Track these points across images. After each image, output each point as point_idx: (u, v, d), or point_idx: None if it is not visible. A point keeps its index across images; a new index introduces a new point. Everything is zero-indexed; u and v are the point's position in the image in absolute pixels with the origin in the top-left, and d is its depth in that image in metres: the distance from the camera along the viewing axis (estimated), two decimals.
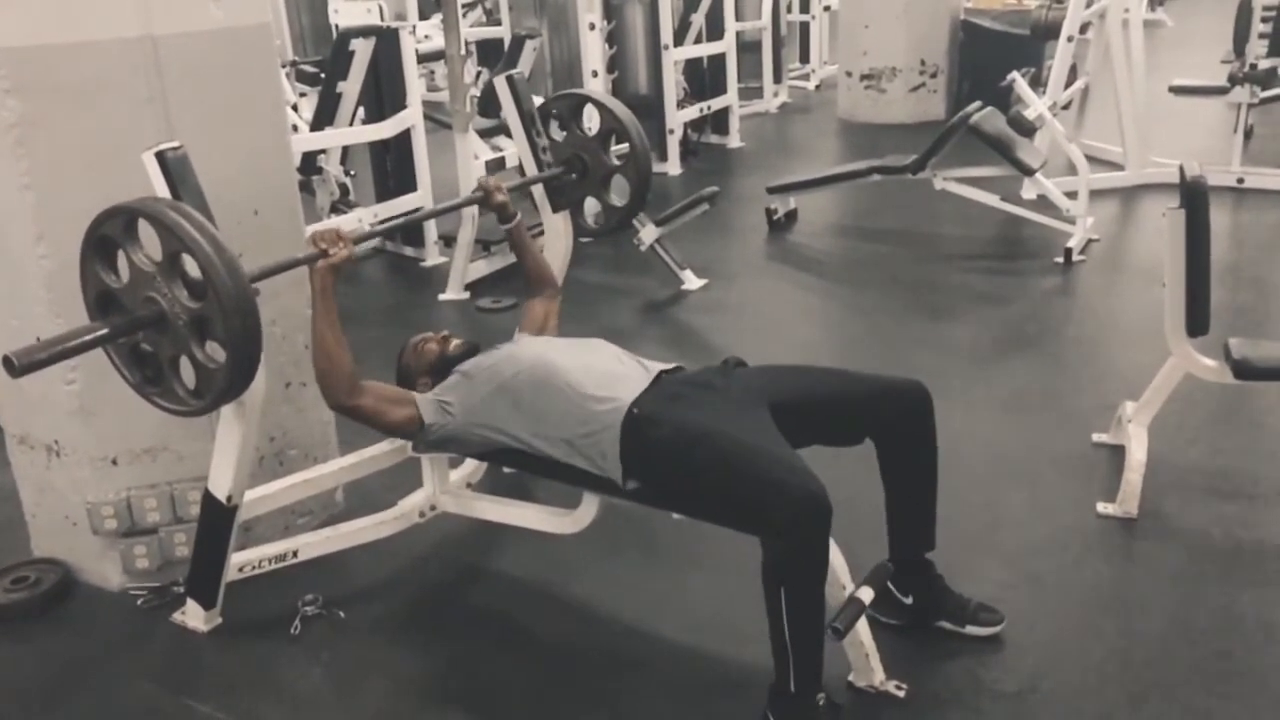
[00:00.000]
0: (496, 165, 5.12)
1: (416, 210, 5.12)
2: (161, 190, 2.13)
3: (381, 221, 4.79)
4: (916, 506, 2.37)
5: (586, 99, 3.19)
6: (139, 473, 2.66)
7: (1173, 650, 2.35)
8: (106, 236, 2.08)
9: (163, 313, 2.04)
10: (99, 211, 2.42)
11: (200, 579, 2.51)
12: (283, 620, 2.56)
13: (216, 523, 2.42)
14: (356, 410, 2.42)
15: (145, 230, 2.09)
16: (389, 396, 2.47)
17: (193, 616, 2.57)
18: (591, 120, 3.73)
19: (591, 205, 3.30)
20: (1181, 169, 2.80)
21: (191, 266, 2.01)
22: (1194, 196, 2.75)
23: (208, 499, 2.40)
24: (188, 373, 2.15)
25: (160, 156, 2.12)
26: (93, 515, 2.64)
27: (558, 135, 3.17)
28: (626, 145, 3.05)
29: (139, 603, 2.67)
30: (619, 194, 3.18)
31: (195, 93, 2.50)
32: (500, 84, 3.02)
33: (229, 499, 2.38)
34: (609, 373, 2.36)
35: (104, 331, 2.05)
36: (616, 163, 3.11)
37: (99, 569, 2.74)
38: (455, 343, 2.66)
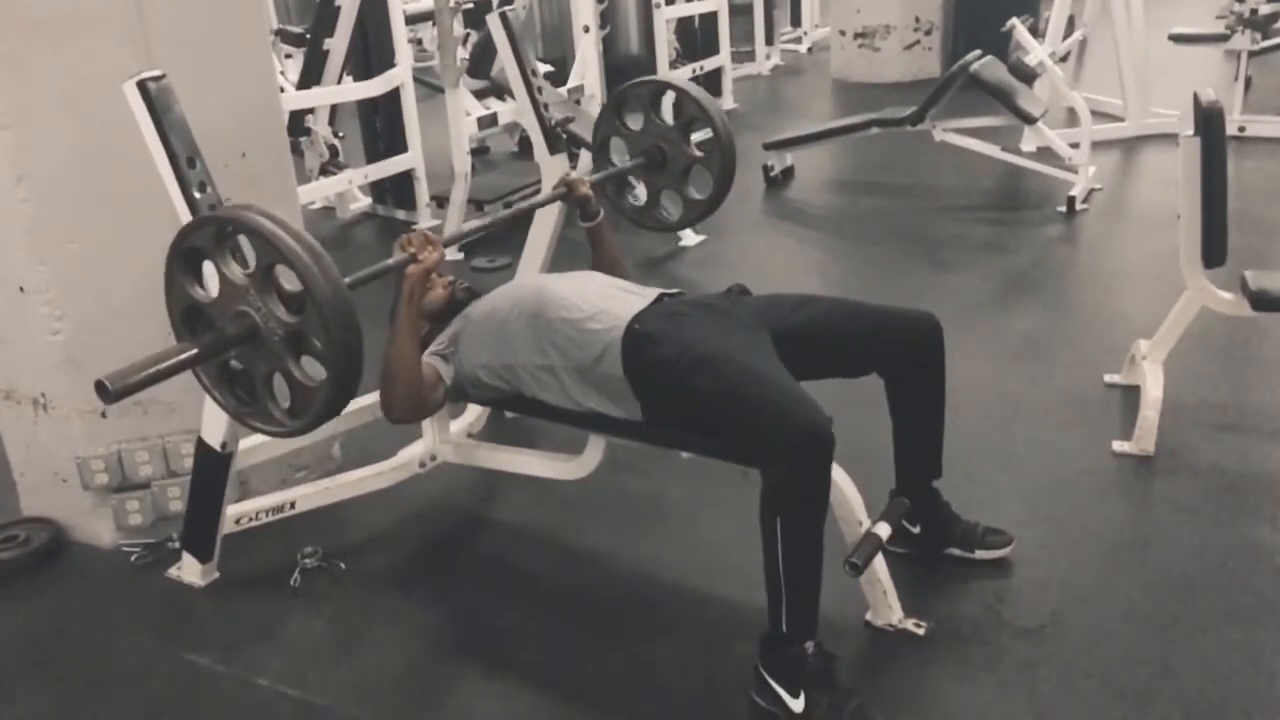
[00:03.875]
0: (489, 121, 5.02)
1: (409, 174, 5.02)
2: (145, 123, 2.04)
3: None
4: (924, 435, 2.31)
5: (666, 85, 2.98)
6: (130, 425, 2.58)
7: (1195, 584, 2.29)
8: (195, 248, 1.91)
9: (256, 328, 1.87)
10: (80, 152, 2.36)
11: (195, 532, 2.44)
12: (282, 574, 2.49)
13: (211, 472, 2.34)
14: (417, 418, 2.36)
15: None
16: (430, 385, 2.31)
17: (189, 571, 2.50)
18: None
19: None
20: (1196, 95, 2.72)
21: (286, 278, 1.85)
22: (1209, 122, 2.67)
23: (201, 447, 2.32)
24: (281, 389, 1.98)
25: (142, 86, 2.02)
26: (83, 470, 2.56)
27: (635, 124, 2.97)
28: (709, 133, 2.87)
29: (133, 559, 2.60)
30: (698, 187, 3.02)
31: (177, 28, 2.41)
32: (493, 21, 2.91)
33: (223, 446, 2.30)
34: (606, 295, 2.28)
35: (195, 351, 1.87)
36: (698, 153, 2.94)
37: (91, 526, 2.66)
38: (463, 285, 2.58)
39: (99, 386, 1.75)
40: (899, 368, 2.26)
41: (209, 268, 1.93)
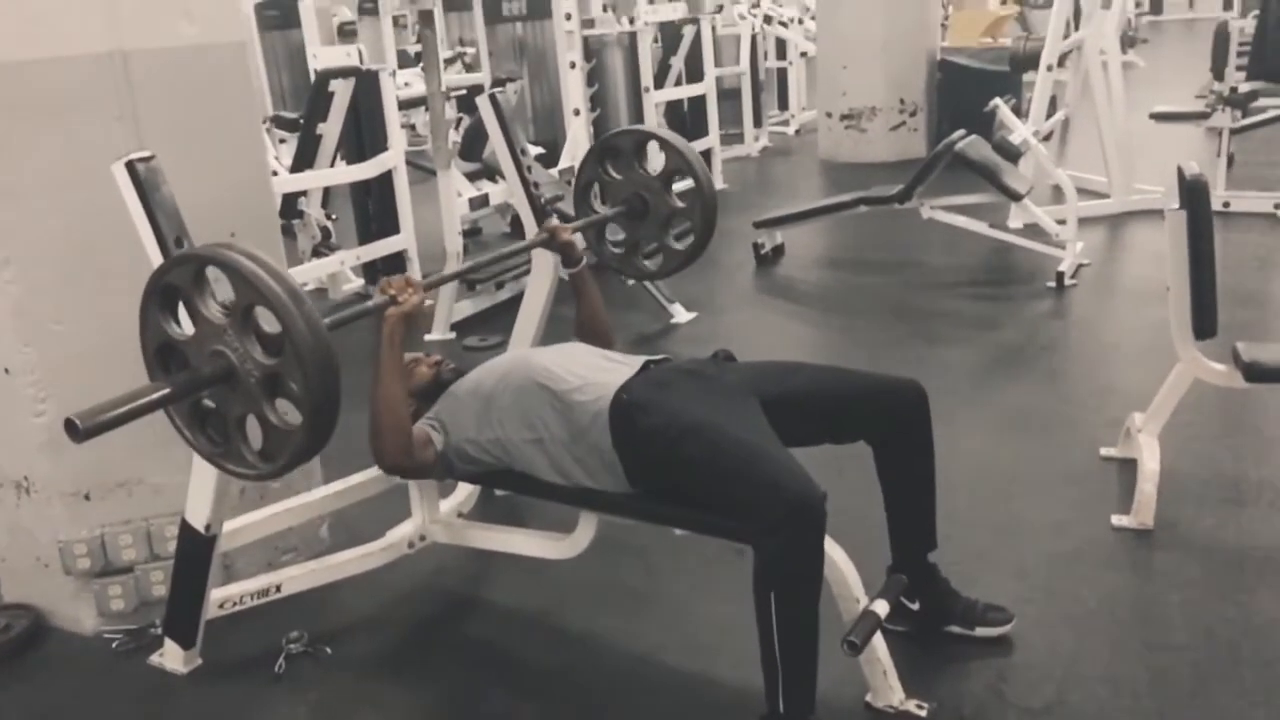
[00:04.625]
0: (480, 202, 5.05)
1: (401, 250, 5.05)
2: (133, 203, 2.04)
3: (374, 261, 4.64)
4: (916, 505, 2.28)
5: (649, 135, 2.98)
6: (113, 508, 2.54)
7: (1202, 660, 2.24)
8: (171, 285, 1.87)
9: (232, 368, 1.83)
10: (68, 234, 2.35)
11: (178, 616, 2.38)
12: (266, 659, 2.43)
13: (194, 554, 2.30)
14: (408, 470, 2.31)
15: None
16: (421, 444, 2.29)
17: (171, 658, 2.43)
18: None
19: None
20: (1180, 169, 2.75)
21: (265, 319, 1.81)
22: (1195, 195, 2.69)
23: (185, 529, 2.28)
24: (255, 432, 1.93)
25: (130, 167, 2.02)
26: (65, 554, 2.51)
27: (615, 174, 2.98)
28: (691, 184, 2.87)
29: (114, 646, 2.54)
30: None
31: (168, 110, 2.43)
32: (483, 103, 2.94)
33: (207, 528, 2.26)
34: (592, 366, 2.27)
35: (168, 390, 1.83)
36: (680, 204, 2.93)
37: (72, 612, 2.60)
38: (449, 366, 2.56)
39: (68, 424, 1.70)
40: (885, 434, 2.24)
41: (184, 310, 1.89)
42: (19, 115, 2.30)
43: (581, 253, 2.74)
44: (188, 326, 1.88)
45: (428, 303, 2.23)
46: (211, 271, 1.83)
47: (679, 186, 2.96)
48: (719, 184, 7.81)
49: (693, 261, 3.01)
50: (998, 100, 5.51)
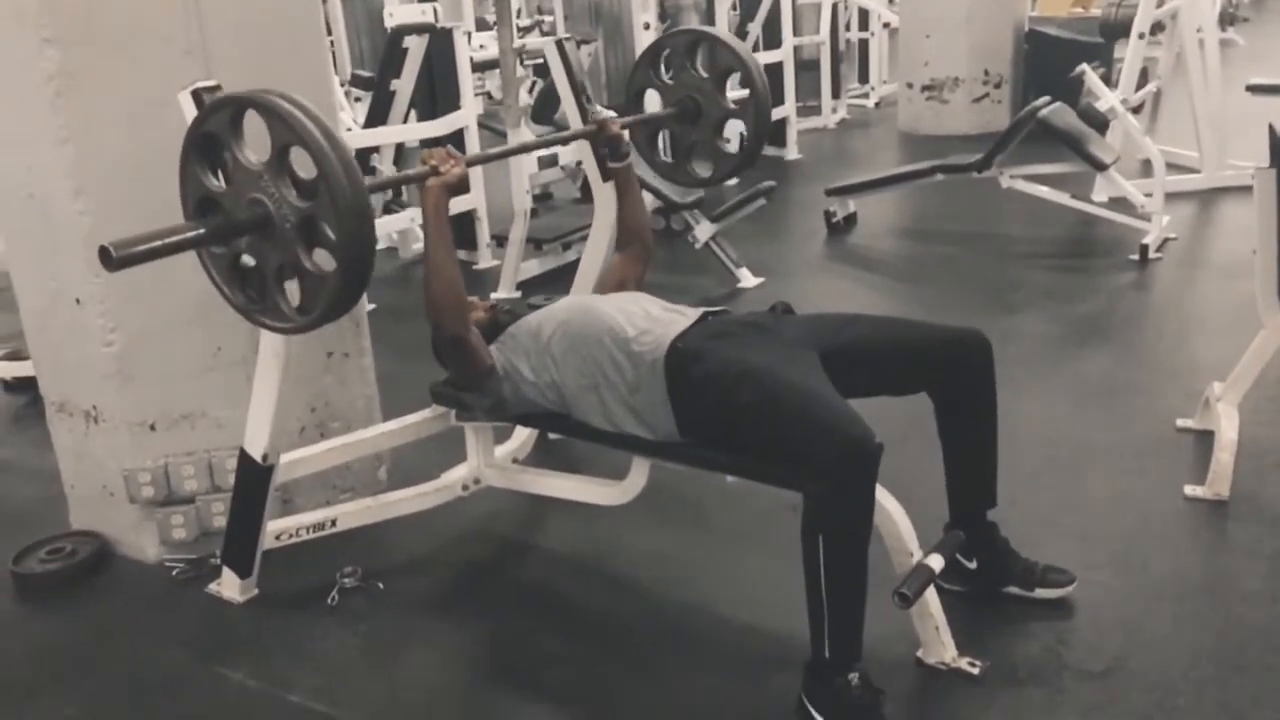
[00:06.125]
0: (549, 161, 5.05)
1: (470, 211, 5.06)
2: None
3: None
4: (976, 459, 2.22)
5: (702, 36, 2.91)
6: (177, 439, 2.59)
7: (1269, 630, 2.15)
8: (211, 134, 1.90)
9: (269, 215, 1.85)
10: (137, 165, 2.38)
11: (236, 546, 2.42)
12: (320, 592, 2.46)
13: (252, 484, 2.33)
14: (465, 343, 2.28)
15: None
16: (478, 339, 2.32)
17: (228, 586, 2.48)
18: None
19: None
20: (1271, 127, 2.63)
21: (301, 165, 1.83)
22: None
23: (243, 458, 2.31)
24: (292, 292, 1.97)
25: (196, 96, 2.04)
26: (130, 482, 2.57)
27: (667, 79, 2.92)
28: (746, 88, 2.80)
29: (174, 574, 2.59)
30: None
31: (236, 45, 2.45)
32: (550, 50, 2.91)
33: (265, 457, 2.28)
34: (650, 316, 2.24)
35: (201, 231, 1.87)
36: (733, 106, 2.85)
37: (136, 541, 2.66)
38: (505, 308, 2.56)
39: (102, 252, 1.75)
40: (947, 386, 2.18)
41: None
42: (91, 48, 2.33)
43: (628, 147, 2.72)
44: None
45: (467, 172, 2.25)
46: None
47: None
48: (793, 154, 7.71)
49: (745, 168, 2.95)
50: (1084, 65, 5.33)
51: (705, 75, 2.85)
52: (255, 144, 1.89)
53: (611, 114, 2.77)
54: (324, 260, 1.85)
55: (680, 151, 2.95)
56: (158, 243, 1.81)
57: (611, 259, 2.77)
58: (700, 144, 2.91)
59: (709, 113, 2.85)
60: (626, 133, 2.74)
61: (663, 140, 3.23)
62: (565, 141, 2.91)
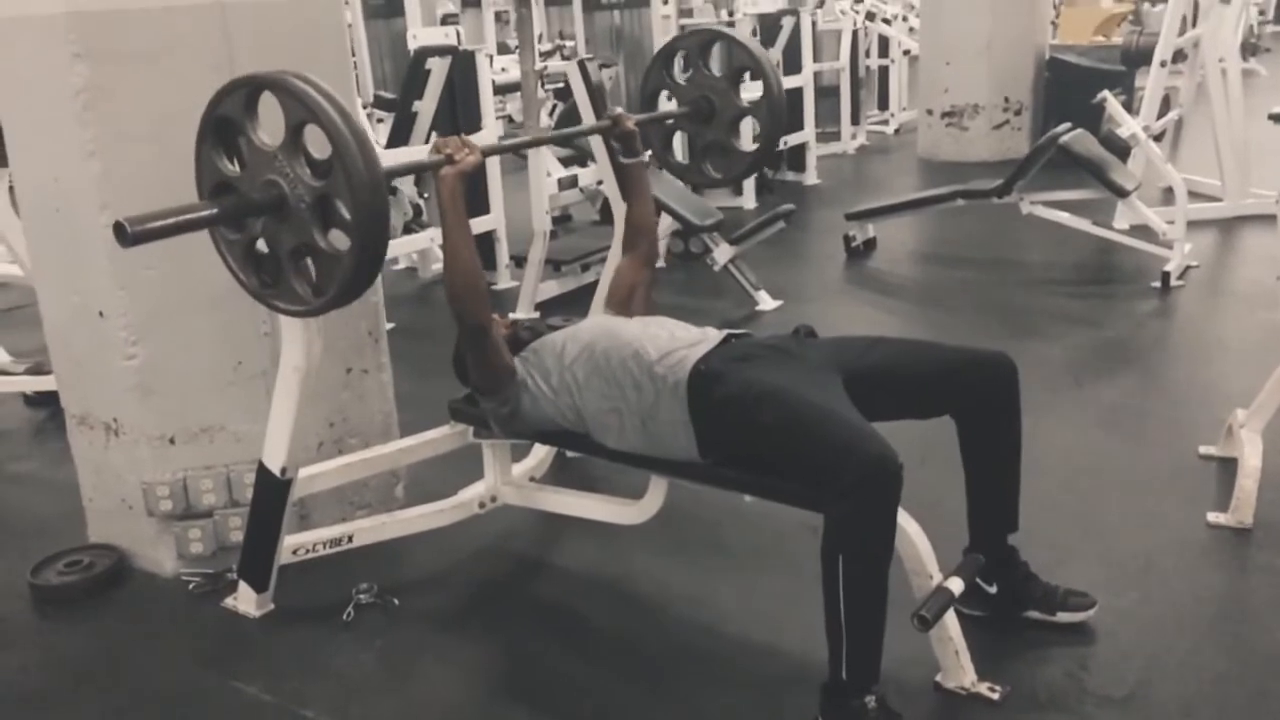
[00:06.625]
0: (569, 183, 5.06)
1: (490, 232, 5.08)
2: None
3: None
4: (999, 483, 2.20)
5: (715, 35, 2.93)
6: (196, 453, 2.60)
7: None
8: (225, 117, 1.92)
9: (283, 195, 1.87)
10: (162, 181, 2.40)
11: (252, 560, 2.42)
12: (336, 608, 2.46)
13: (270, 498, 2.33)
14: (488, 336, 2.27)
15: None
16: (500, 340, 2.32)
17: (244, 601, 2.48)
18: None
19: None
20: None
21: (315, 146, 1.84)
22: None
23: (262, 471, 2.31)
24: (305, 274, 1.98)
25: None
26: (148, 495, 2.58)
27: (681, 78, 2.94)
28: (760, 86, 2.80)
29: (191, 587, 2.60)
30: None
31: (263, 61, 2.45)
32: (571, 69, 2.94)
33: (283, 472, 2.29)
34: (674, 337, 2.23)
35: (215, 210, 1.89)
36: (746, 105, 2.86)
37: (153, 554, 2.67)
38: (525, 324, 2.56)
39: (117, 227, 1.76)
40: (972, 409, 2.16)
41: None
42: (119, 63, 2.36)
43: (640, 146, 2.72)
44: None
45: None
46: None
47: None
48: (813, 179, 7.73)
49: (758, 167, 2.96)
50: (1106, 92, 5.32)
51: (719, 75, 2.86)
52: (270, 129, 1.92)
53: (621, 110, 2.79)
54: (339, 240, 1.87)
55: (696, 151, 2.96)
56: (172, 220, 1.83)
57: (618, 263, 2.76)
58: (715, 143, 2.91)
59: (723, 111, 2.86)
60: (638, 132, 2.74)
61: (680, 141, 3.25)
62: (582, 135, 2.91)
